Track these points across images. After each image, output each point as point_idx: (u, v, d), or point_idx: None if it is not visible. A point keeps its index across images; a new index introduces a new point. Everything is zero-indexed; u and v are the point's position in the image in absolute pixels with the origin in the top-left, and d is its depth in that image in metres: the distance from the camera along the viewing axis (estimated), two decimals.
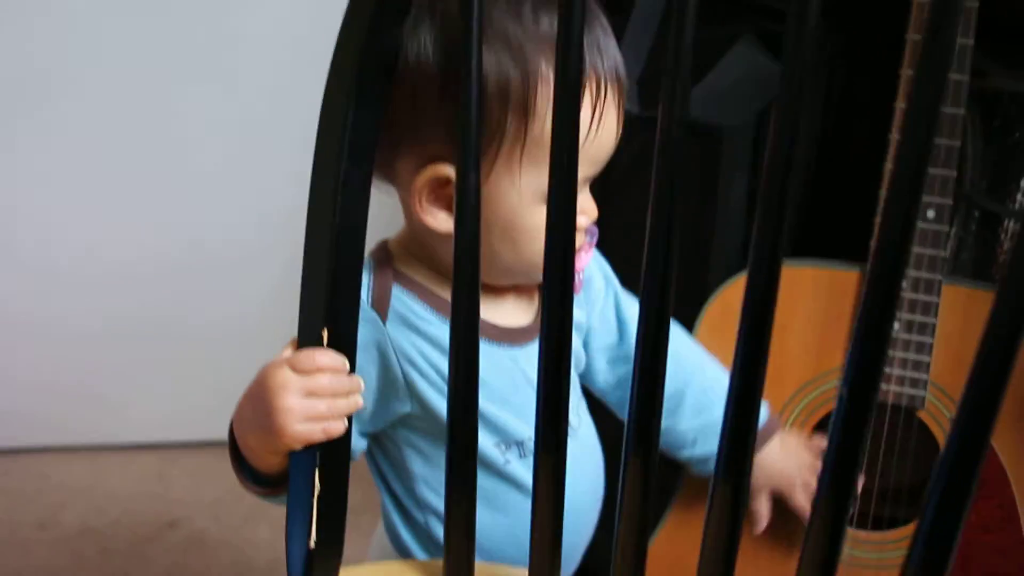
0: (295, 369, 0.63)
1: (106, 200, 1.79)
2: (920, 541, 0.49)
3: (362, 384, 0.66)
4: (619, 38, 0.74)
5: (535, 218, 0.72)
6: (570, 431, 0.83)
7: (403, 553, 0.84)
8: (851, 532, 0.96)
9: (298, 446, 0.64)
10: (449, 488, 0.66)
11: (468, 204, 0.61)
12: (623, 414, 0.91)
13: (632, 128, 0.75)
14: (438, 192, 0.72)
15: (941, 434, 0.91)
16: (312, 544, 0.64)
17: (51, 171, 1.75)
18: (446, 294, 0.77)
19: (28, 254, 1.82)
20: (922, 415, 0.92)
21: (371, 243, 0.81)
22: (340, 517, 0.67)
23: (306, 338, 0.65)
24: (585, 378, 0.90)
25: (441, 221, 0.73)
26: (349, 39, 0.64)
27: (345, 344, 0.65)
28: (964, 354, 0.88)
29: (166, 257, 1.83)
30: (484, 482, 0.80)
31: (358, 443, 0.79)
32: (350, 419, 0.65)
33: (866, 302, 0.49)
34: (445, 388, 0.75)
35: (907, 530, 0.94)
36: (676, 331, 0.91)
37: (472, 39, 0.57)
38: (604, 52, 0.71)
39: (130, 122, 1.72)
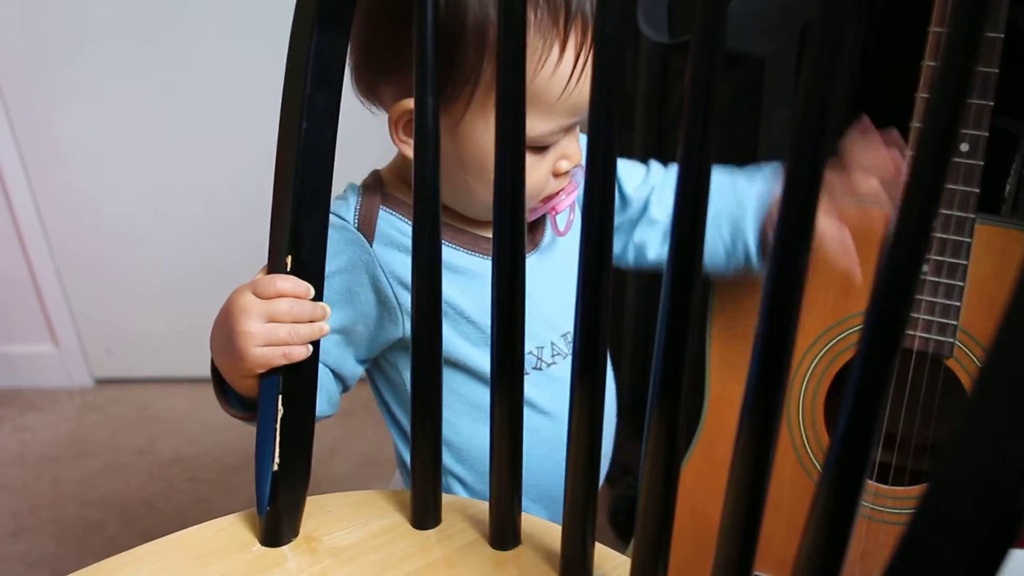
0: (257, 294, 0.64)
1: (209, 149, 1.87)
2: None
3: (328, 311, 0.66)
4: None
5: None
6: (564, 354, 0.82)
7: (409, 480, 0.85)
8: (873, 486, 0.91)
9: (260, 370, 0.64)
10: (414, 410, 0.66)
11: (428, 140, 0.61)
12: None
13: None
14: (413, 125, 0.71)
15: (970, 384, 0.85)
16: (275, 467, 0.65)
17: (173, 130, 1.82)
18: (442, 216, 0.77)
19: (130, 201, 1.91)
20: (950, 364, 0.86)
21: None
22: (306, 441, 0.67)
23: (275, 264, 0.66)
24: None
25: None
26: None
27: (310, 271, 0.66)
28: (998, 299, 0.82)
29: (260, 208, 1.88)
30: (485, 400, 0.79)
31: (354, 369, 0.80)
32: (316, 344, 0.66)
33: (894, 242, 0.44)
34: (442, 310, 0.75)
35: None
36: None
37: None
38: None
39: (208, 83, 1.78)
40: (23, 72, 1.78)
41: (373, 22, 0.71)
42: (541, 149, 0.72)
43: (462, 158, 0.72)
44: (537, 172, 0.73)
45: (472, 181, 0.73)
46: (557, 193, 0.76)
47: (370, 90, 0.75)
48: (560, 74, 0.68)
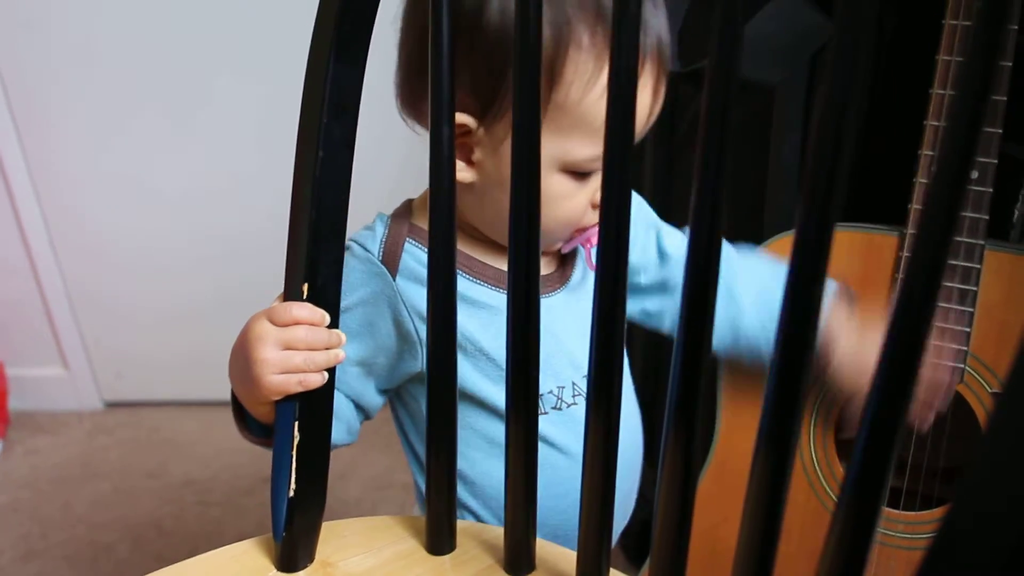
0: (273, 321, 0.65)
1: (214, 183, 1.89)
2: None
3: (343, 338, 0.66)
4: None
5: (549, 185, 0.70)
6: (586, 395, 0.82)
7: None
8: (883, 511, 0.91)
9: (276, 397, 0.65)
10: (429, 434, 0.66)
11: (442, 155, 0.61)
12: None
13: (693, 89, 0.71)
14: (457, 140, 0.70)
15: (981, 410, 0.85)
16: (291, 493, 0.66)
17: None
18: (468, 250, 0.77)
19: (140, 226, 1.93)
20: (961, 389, 0.86)
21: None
22: (322, 467, 0.68)
23: (291, 292, 0.66)
24: (651, 321, 0.89)
25: (459, 171, 0.71)
26: None
27: (326, 299, 0.66)
28: (1008, 324, 0.83)
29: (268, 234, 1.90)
30: (502, 436, 0.79)
31: (375, 399, 0.79)
32: (332, 371, 0.66)
33: (909, 271, 0.44)
34: (460, 344, 0.74)
35: (942, 511, 0.88)
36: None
37: None
38: (647, 26, 0.67)
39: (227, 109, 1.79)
40: (37, 101, 1.80)
41: (420, 36, 0.69)
42: (582, 176, 0.71)
43: (501, 179, 0.71)
44: (576, 200, 0.72)
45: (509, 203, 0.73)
46: (593, 225, 0.75)
47: (413, 107, 0.74)
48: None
